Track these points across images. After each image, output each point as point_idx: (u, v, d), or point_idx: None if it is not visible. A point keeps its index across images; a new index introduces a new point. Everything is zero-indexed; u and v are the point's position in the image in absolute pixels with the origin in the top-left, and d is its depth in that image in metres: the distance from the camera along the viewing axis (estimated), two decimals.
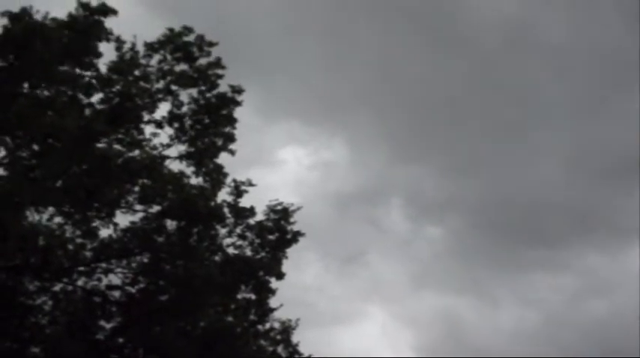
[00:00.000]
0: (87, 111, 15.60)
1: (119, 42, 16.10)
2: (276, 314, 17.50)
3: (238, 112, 16.88)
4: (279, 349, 17.27)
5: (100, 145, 15.95)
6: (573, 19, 42.96)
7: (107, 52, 15.92)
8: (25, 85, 15.08)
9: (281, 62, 40.22)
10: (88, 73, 15.55)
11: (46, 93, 15.51)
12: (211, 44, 16.42)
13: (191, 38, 16.30)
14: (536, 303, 39.91)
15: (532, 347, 37.19)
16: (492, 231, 42.04)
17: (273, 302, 17.27)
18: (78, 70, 15.46)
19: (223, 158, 17.09)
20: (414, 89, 42.49)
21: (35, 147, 15.57)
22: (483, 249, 42.04)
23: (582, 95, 43.25)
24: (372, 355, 40.35)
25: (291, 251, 17.17)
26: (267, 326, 17.36)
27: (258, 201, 17.40)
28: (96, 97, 16.05)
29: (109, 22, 15.60)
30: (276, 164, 42.31)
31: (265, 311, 17.22)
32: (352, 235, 41.09)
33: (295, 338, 17.58)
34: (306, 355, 17.28)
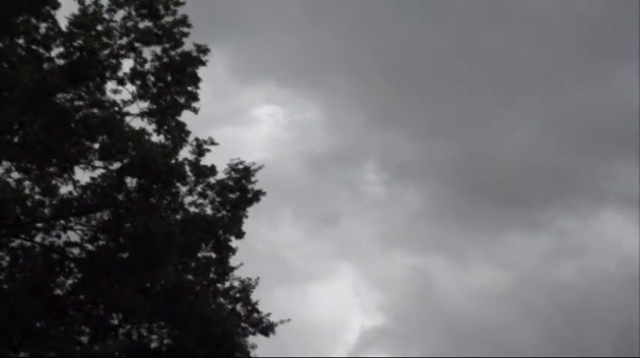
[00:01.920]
0: (45, 66, 15.29)
1: None
2: (238, 273, 17.71)
3: (214, 72, 16.74)
4: (238, 307, 17.46)
5: (59, 100, 15.77)
6: None
7: (69, 6, 15.60)
8: None
9: (258, 23, 39.97)
10: (45, 25, 15.22)
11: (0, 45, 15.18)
12: (178, 3, 16.11)
13: None
14: (508, 264, 40.78)
15: (502, 307, 38.07)
16: (467, 193, 42.68)
17: (233, 260, 17.45)
18: (35, 22, 15.14)
19: (191, 117, 16.99)
20: (393, 53, 42.52)
21: None
22: (458, 211, 42.68)
23: (564, 63, 43.71)
24: (343, 313, 41.01)
25: (265, 208, 17.25)
26: (227, 284, 17.53)
27: (231, 159, 17.38)
28: (56, 52, 15.73)
29: None
30: (251, 123, 42.41)
31: (225, 270, 17.36)
32: (326, 195, 41.53)
33: (266, 294, 17.83)
34: (264, 313, 17.51)
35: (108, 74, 16.17)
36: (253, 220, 17.92)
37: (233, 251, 17.13)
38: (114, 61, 15.99)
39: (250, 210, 17.39)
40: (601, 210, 42.77)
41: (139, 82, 16.39)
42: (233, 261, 17.47)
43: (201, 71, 16.69)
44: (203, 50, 16.36)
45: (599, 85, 43.09)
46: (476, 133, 43.18)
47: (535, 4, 42.17)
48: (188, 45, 16.39)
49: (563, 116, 43.09)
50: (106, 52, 15.80)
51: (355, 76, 43.92)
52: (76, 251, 16.81)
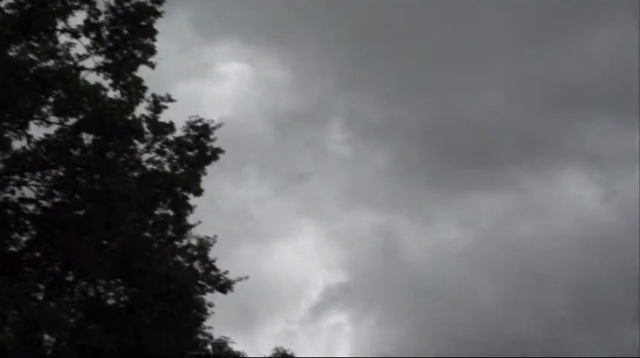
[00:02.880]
0: None
1: None
2: (198, 231, 17.66)
3: (179, 28, 16.36)
4: (196, 265, 17.46)
5: (10, 53, 15.34)
6: None
7: None
8: None
9: None
10: None
11: None
12: None
13: None
14: (470, 223, 41.45)
15: (463, 265, 38.74)
16: (432, 153, 42.98)
17: (191, 218, 17.37)
18: None
19: (155, 73, 16.60)
20: (363, 15, 42.14)
21: None
22: (422, 171, 43.06)
23: (532, 28, 43.70)
24: (307, 270, 41.55)
25: (231, 165, 17.01)
26: (185, 242, 17.49)
27: (189, 116, 17.07)
28: (5, 2, 15.20)
29: None
30: (217, 80, 42.12)
31: (183, 228, 17.28)
32: (292, 154, 41.68)
33: (231, 251, 17.78)
34: (222, 271, 17.54)
35: (61, 26, 15.71)
36: (219, 177, 17.77)
37: (191, 208, 17.02)
38: (66, 11, 15.47)
39: (216, 168, 17.28)
40: (564, 170, 43.43)
41: (93, 35, 15.96)
42: (192, 218, 17.40)
43: (166, 27, 16.39)
44: (158, 1, 15.91)
45: (566, 49, 43.29)
46: (443, 95, 43.34)
47: None
48: None
49: (529, 79, 43.35)
50: (57, 2, 15.30)
51: (324, 37, 43.62)
52: (31, 207, 16.55)
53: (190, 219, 17.35)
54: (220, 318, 18.32)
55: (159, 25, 16.33)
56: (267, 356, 22.22)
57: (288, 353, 22.14)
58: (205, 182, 17.04)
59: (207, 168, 17.01)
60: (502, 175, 42.56)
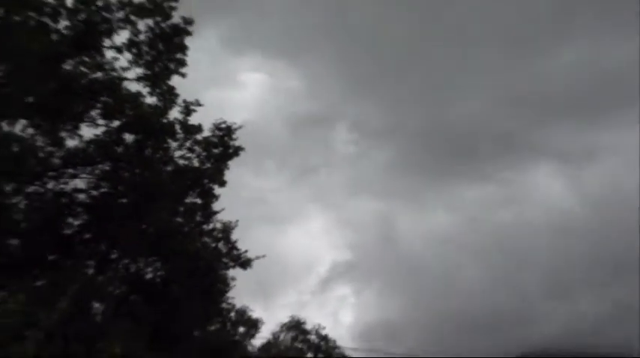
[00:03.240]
0: (54, 36, 17.65)
1: None
2: (221, 216, 20.35)
3: (209, 43, 18.88)
4: (220, 245, 20.14)
5: (65, 67, 18.19)
6: None
7: None
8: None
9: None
10: (54, 1, 17.51)
11: (16, 18, 17.47)
12: None
13: None
14: (458, 210, 44.30)
15: (452, 248, 41.38)
16: (427, 151, 45.70)
17: (216, 206, 20.11)
18: None
19: (188, 82, 19.33)
20: (369, 31, 44.76)
21: (5, 67, 17.59)
22: (417, 166, 45.79)
23: (514, 38, 46.04)
24: (317, 250, 44.43)
25: (252, 161, 19.68)
26: (211, 226, 20.18)
27: (215, 119, 19.66)
28: (63, 25, 18.03)
29: None
30: (241, 89, 45.16)
31: (209, 214, 19.99)
32: (305, 151, 44.72)
33: (252, 233, 20.50)
34: (243, 250, 20.27)
35: (108, 43, 18.52)
36: (241, 171, 20.45)
37: (216, 197, 19.75)
38: (112, 32, 18.25)
39: (238, 163, 20.02)
40: (537, 164, 45.88)
41: (134, 51, 18.74)
42: (217, 206, 20.14)
43: (198, 43, 19.00)
44: (189, 22, 18.67)
45: (539, 63, 45.73)
46: (438, 101, 46.11)
47: None
48: (177, 18, 18.78)
49: (510, 89, 45.89)
50: (106, 24, 18.12)
51: (335, 51, 46.50)
52: (82, 196, 19.38)
53: (216, 206, 20.13)
54: (241, 291, 21.04)
55: (191, 41, 19.15)
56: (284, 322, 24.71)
57: (302, 320, 24.71)
58: (229, 175, 19.86)
59: (230, 163, 19.75)
60: (485, 170, 45.32)
